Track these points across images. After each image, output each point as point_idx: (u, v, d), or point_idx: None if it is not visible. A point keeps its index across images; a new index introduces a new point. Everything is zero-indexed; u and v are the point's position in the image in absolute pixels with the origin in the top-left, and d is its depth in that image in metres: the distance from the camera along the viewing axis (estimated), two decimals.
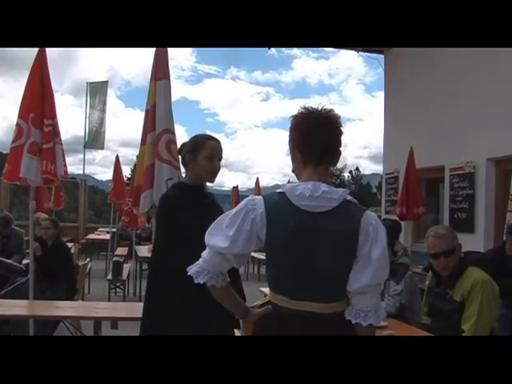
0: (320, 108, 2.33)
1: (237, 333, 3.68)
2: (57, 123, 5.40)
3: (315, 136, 2.29)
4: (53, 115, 5.36)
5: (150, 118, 5.10)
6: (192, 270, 2.35)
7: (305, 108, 2.34)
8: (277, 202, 2.26)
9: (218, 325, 3.16)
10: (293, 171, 2.45)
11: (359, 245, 2.20)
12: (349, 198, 2.25)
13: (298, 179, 2.39)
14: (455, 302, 4.04)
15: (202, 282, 2.30)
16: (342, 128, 2.35)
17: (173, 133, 5.04)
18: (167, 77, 5.13)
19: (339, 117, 2.34)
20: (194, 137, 3.48)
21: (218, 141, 3.45)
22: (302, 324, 2.23)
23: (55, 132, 5.34)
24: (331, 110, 2.34)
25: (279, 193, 2.28)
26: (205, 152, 3.36)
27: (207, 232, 2.31)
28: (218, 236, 2.27)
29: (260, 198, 2.30)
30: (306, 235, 2.20)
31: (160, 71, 5.13)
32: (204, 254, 2.34)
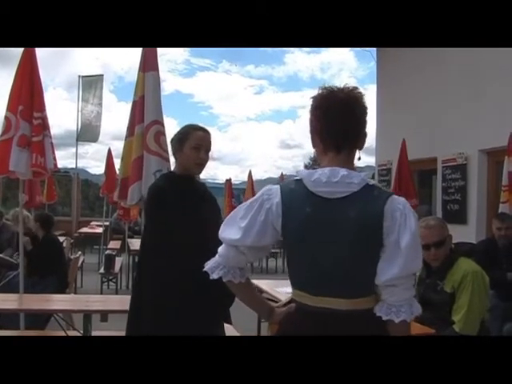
0: (342, 87, 2.14)
1: (230, 328, 3.64)
2: (46, 116, 5.36)
3: (333, 120, 2.11)
4: (42, 108, 5.32)
5: (138, 109, 5.05)
6: (208, 265, 2.21)
7: (324, 88, 2.16)
8: (293, 189, 2.11)
9: (204, 320, 3.15)
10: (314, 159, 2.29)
11: (385, 232, 2.02)
12: (372, 182, 2.09)
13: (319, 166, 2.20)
14: (446, 293, 4.04)
15: (216, 278, 2.16)
16: (365, 106, 2.16)
17: (162, 124, 4.99)
18: (156, 68, 5.08)
19: (362, 95, 2.15)
20: (184, 127, 3.45)
21: (206, 132, 3.41)
22: (326, 323, 2.05)
23: (44, 125, 5.30)
24: (354, 89, 2.15)
25: (296, 180, 2.12)
26: (191, 142, 3.32)
27: (222, 224, 2.19)
28: (231, 228, 2.14)
29: (277, 187, 2.16)
30: (323, 223, 2.04)
31: (148, 63, 5.07)
32: (220, 248, 2.19)
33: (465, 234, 7.60)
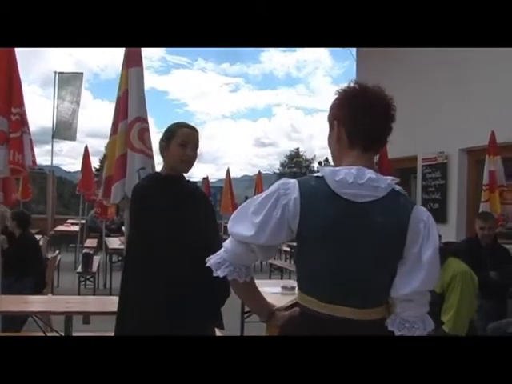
0: (373, 86, 2.04)
1: (218, 334, 3.57)
2: (24, 112, 5.23)
3: (369, 116, 1.99)
4: (20, 103, 5.18)
5: (121, 105, 4.92)
6: (211, 260, 2.03)
7: (357, 83, 2.06)
8: (314, 187, 1.95)
9: (195, 326, 3.05)
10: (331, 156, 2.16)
11: (407, 244, 1.93)
12: (397, 188, 1.98)
13: (337, 164, 2.08)
14: (435, 294, 3.98)
15: (221, 276, 1.99)
16: (394, 112, 2.05)
17: (145, 121, 4.87)
18: (139, 64, 4.95)
19: (392, 98, 2.06)
20: (170, 125, 3.37)
21: (193, 128, 3.34)
22: (332, 332, 1.92)
23: (23, 121, 5.17)
24: (384, 90, 2.06)
25: (317, 177, 1.98)
26: (177, 139, 3.24)
27: (231, 218, 2.02)
28: (242, 223, 1.97)
29: (294, 181, 1.99)
30: (346, 227, 1.91)
31: (132, 58, 4.94)
32: (226, 243, 2.03)
33: (445, 232, 7.57)
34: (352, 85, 2.06)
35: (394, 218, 1.93)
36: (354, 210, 1.92)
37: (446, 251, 4.20)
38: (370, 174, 1.95)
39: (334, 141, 2.09)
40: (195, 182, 3.54)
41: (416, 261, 1.93)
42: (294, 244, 2.07)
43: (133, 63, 4.93)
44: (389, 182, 1.97)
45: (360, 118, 2.01)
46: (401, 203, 1.97)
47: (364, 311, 1.96)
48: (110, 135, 5.10)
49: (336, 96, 2.10)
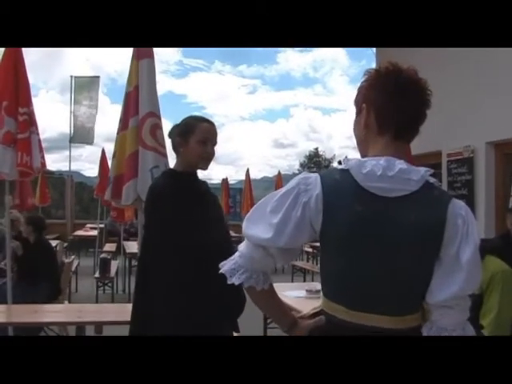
0: (407, 67, 1.87)
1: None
2: (33, 111, 5.05)
3: (404, 100, 1.82)
4: (28, 103, 4.99)
5: (132, 100, 4.67)
6: (225, 266, 1.85)
7: (390, 63, 1.87)
8: (338, 181, 1.76)
9: (213, 327, 2.86)
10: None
11: (444, 242, 1.73)
12: (432, 180, 1.79)
13: (363, 153, 1.90)
14: (473, 295, 3.73)
15: (237, 283, 1.81)
16: (429, 98, 1.89)
17: (158, 116, 4.63)
18: (150, 55, 4.70)
19: (427, 82, 1.90)
20: (186, 118, 3.15)
21: (212, 123, 3.13)
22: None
23: (31, 121, 4.98)
24: (418, 73, 1.89)
25: (341, 170, 1.78)
26: (197, 136, 3.03)
27: (246, 218, 1.83)
28: (259, 224, 1.78)
29: (316, 175, 1.80)
30: (375, 226, 1.71)
31: (142, 49, 4.67)
32: (241, 246, 1.85)
33: None
34: (386, 65, 1.87)
35: (429, 213, 1.74)
36: (385, 206, 1.73)
37: (484, 249, 3.92)
38: (400, 164, 1.76)
39: (362, 126, 1.90)
40: (205, 182, 3.34)
41: (454, 261, 1.74)
42: (317, 244, 1.86)
43: (143, 54, 4.68)
44: (422, 173, 1.77)
45: (392, 101, 1.82)
46: (436, 197, 1.78)
47: (397, 319, 1.78)
48: (118, 131, 4.87)
49: (365, 77, 1.91)
